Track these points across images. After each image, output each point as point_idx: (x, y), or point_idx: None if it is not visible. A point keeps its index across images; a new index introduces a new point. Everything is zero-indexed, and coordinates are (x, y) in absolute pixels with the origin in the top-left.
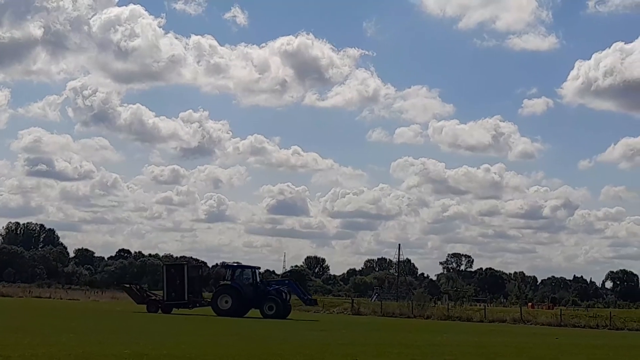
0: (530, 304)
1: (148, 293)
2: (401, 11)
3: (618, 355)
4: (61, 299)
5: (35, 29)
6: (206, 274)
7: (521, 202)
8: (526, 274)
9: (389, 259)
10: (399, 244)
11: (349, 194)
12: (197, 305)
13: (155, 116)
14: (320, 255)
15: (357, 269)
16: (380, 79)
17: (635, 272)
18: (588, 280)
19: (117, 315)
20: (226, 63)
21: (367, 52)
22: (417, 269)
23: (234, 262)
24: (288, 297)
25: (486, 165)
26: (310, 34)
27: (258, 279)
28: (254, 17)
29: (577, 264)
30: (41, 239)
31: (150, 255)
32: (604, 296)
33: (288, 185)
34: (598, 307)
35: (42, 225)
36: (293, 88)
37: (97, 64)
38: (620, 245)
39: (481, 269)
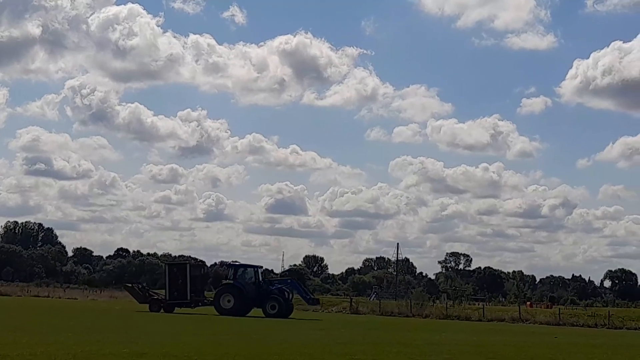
0: (528, 303)
1: (150, 292)
2: (399, 10)
3: (617, 354)
4: (60, 298)
5: (33, 28)
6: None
7: (520, 201)
8: (525, 273)
9: (388, 258)
10: (398, 243)
11: (347, 193)
12: (200, 304)
13: (154, 115)
14: (318, 254)
15: (356, 268)
16: (378, 78)
17: (633, 271)
18: (587, 279)
19: (116, 314)
20: (224, 62)
21: (365, 51)
22: (416, 268)
23: (232, 261)
24: (290, 297)
25: (484, 164)
26: (309, 33)
27: (260, 278)
28: (252, 16)
29: (575, 263)
30: (40, 238)
31: (148, 254)
32: (603, 295)
33: (286, 184)
34: (596, 306)
35: (40, 225)
36: (291, 87)
37: (96, 62)
38: (619, 244)
39: (480, 268)
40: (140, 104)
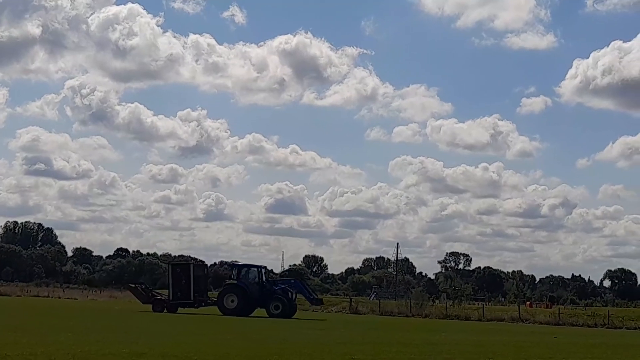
0: (528, 302)
1: (153, 293)
2: (399, 10)
3: (616, 354)
4: (59, 298)
5: (33, 28)
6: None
7: (519, 201)
8: (524, 273)
9: (388, 258)
10: (397, 243)
11: (347, 192)
12: (203, 304)
13: (154, 115)
14: (318, 254)
15: (356, 267)
16: (378, 77)
17: (633, 270)
18: (586, 279)
19: (116, 315)
20: (224, 62)
21: (365, 51)
22: (416, 268)
23: (233, 261)
24: (294, 297)
25: (484, 164)
26: (309, 32)
27: (264, 279)
28: (252, 16)
29: (575, 262)
30: (39, 238)
31: (148, 254)
32: (602, 295)
33: (286, 184)
34: (596, 306)
35: (40, 224)
36: (291, 87)
37: (96, 62)
38: (619, 243)
39: (479, 267)
40: (140, 104)
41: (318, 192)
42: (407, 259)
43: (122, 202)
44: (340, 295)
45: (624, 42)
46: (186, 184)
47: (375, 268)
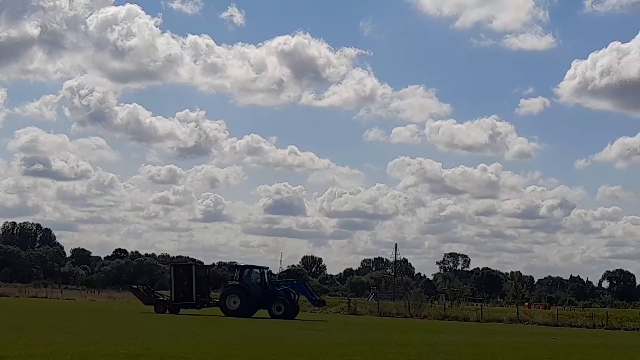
0: (527, 303)
1: (155, 294)
2: (398, 11)
3: (614, 355)
4: (58, 298)
5: (31, 28)
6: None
7: (518, 202)
8: (523, 274)
9: (386, 259)
10: (396, 244)
11: (345, 193)
12: (205, 305)
13: (152, 116)
14: (317, 254)
15: (354, 268)
16: (377, 78)
17: (631, 271)
18: (585, 279)
19: (114, 315)
20: (223, 62)
21: (363, 52)
22: (414, 269)
23: (231, 262)
24: (296, 298)
25: (483, 165)
26: (307, 33)
27: (266, 280)
28: (250, 17)
29: (573, 263)
30: (38, 239)
31: (147, 254)
32: (601, 296)
33: (285, 185)
34: (595, 307)
35: (38, 225)
36: (290, 87)
37: (94, 63)
38: (617, 244)
39: (478, 268)
40: (139, 105)
41: (317, 193)
42: (405, 260)
43: (121, 202)
44: (339, 296)
45: (622, 43)
46: (185, 185)
47: (373, 269)
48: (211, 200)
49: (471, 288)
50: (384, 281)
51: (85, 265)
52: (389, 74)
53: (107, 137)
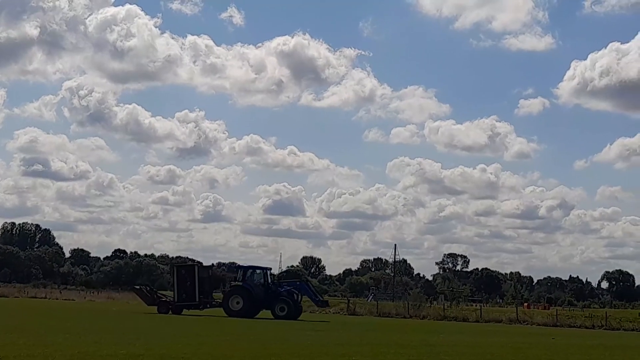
0: (526, 304)
1: (158, 294)
2: (397, 11)
3: (614, 355)
4: (57, 299)
5: (31, 29)
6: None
7: (517, 202)
8: (522, 274)
9: (385, 259)
10: (395, 244)
11: (345, 194)
12: (208, 306)
13: (152, 116)
14: (316, 255)
15: (353, 269)
16: (376, 79)
17: (631, 272)
18: (584, 280)
19: (113, 316)
20: (222, 63)
21: (363, 52)
22: (413, 269)
23: (230, 262)
24: (299, 298)
25: (482, 166)
26: (307, 34)
27: (269, 280)
28: (250, 17)
29: (573, 264)
30: (37, 239)
31: (146, 255)
32: (600, 296)
33: (284, 186)
34: (594, 308)
35: (37, 226)
36: (289, 88)
37: (93, 63)
38: (616, 245)
39: (477, 269)
40: (138, 105)
41: (316, 194)
42: (404, 261)
43: (120, 203)
44: (338, 296)
45: (621, 43)
46: (184, 185)
47: (373, 269)
48: (210, 200)
49: (470, 288)
50: (383, 282)
51: (85, 266)
52: (388, 75)
53: (107, 138)
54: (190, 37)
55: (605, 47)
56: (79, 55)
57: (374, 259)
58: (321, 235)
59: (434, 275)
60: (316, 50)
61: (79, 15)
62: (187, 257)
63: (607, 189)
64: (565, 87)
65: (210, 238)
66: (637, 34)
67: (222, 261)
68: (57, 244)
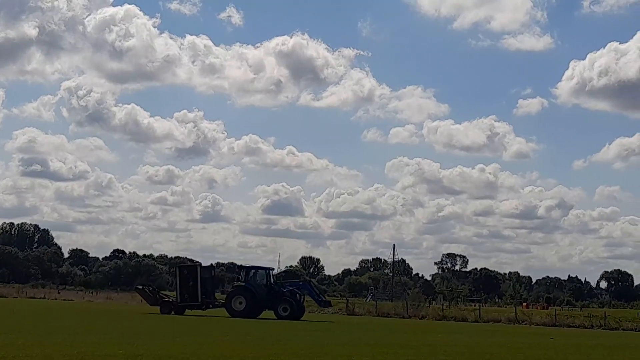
0: (525, 304)
1: (161, 294)
2: (396, 11)
3: (613, 355)
4: (55, 299)
5: (29, 29)
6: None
7: (516, 202)
8: (521, 274)
9: (384, 259)
10: (394, 244)
11: (343, 194)
12: (211, 306)
13: (150, 116)
14: (315, 255)
15: (352, 269)
16: (375, 79)
17: (629, 272)
18: (583, 280)
19: (112, 316)
20: (221, 63)
21: (362, 52)
22: (412, 269)
23: (229, 263)
24: (302, 299)
25: (481, 166)
26: (305, 34)
27: (272, 280)
28: (249, 17)
29: (571, 264)
30: (35, 240)
31: (144, 255)
32: (599, 296)
33: (283, 186)
34: (592, 307)
35: (36, 226)
36: (288, 88)
37: (92, 64)
38: (615, 245)
39: (476, 269)
40: (137, 105)
41: (315, 194)
42: (403, 260)
43: (119, 203)
44: (337, 296)
45: (620, 43)
46: (183, 186)
47: (371, 269)
48: (209, 200)
49: (469, 288)
50: (382, 282)
51: (83, 266)
52: (387, 75)
53: (105, 138)
54: (189, 37)
55: (604, 47)
56: (78, 55)
57: (373, 259)
58: (320, 235)
59: (432, 275)
60: (315, 50)
61: (77, 15)
62: (186, 257)
63: (605, 188)
64: (564, 87)
65: (209, 238)
66: (635, 34)
67: (221, 261)
68: (56, 244)
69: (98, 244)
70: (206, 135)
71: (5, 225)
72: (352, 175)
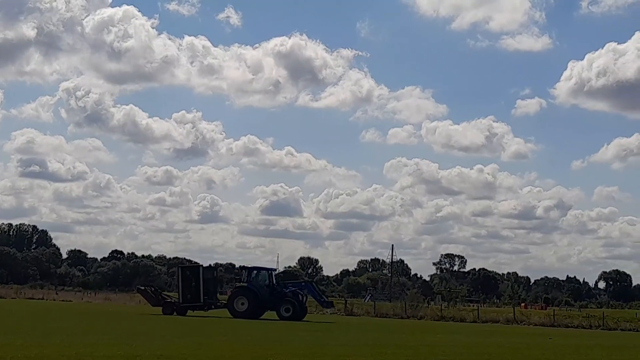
0: (523, 304)
1: (163, 295)
2: (394, 12)
3: (611, 355)
4: (54, 300)
5: (28, 30)
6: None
7: (514, 203)
8: (519, 275)
9: (383, 260)
10: (392, 245)
11: (342, 194)
12: (213, 307)
13: (149, 117)
14: (313, 256)
15: (351, 269)
16: (373, 79)
17: (628, 272)
18: (581, 280)
19: (111, 317)
20: (219, 64)
21: (360, 53)
22: (411, 270)
23: (228, 263)
24: (304, 299)
25: (479, 166)
26: (304, 34)
27: (274, 281)
28: (247, 18)
29: (570, 264)
30: (34, 240)
31: (143, 256)
32: (597, 296)
33: (281, 186)
34: (591, 308)
35: (34, 227)
36: (286, 89)
37: (90, 64)
38: (613, 245)
39: (474, 269)
40: (135, 106)
41: (313, 194)
42: (402, 261)
43: (117, 204)
44: (336, 297)
45: (618, 44)
46: (181, 186)
47: (370, 270)
48: (208, 201)
49: (468, 289)
50: (380, 282)
51: (82, 267)
52: (385, 75)
53: (104, 139)
54: (187, 38)
55: (602, 48)
56: (76, 56)
57: (371, 259)
58: (318, 235)
59: (431, 276)
60: (313, 50)
61: (76, 16)
62: (184, 258)
63: (604, 189)
64: (562, 88)
65: (208, 239)
66: (634, 34)
67: (220, 262)
68: (54, 245)
69: (96, 244)
70: (205, 136)
71: (3, 226)
72: (351, 175)
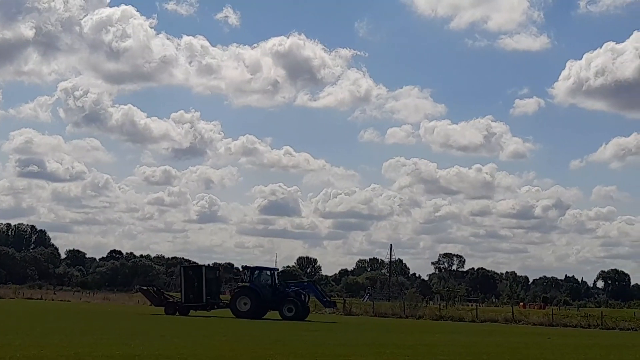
0: (521, 303)
1: (165, 295)
2: (393, 12)
3: (609, 354)
4: (52, 300)
5: (26, 30)
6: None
7: (513, 202)
8: (518, 274)
9: (381, 259)
10: (391, 244)
11: (340, 194)
12: (215, 307)
13: (147, 117)
14: (312, 255)
15: (349, 269)
16: (372, 79)
17: (626, 271)
18: (579, 279)
19: (109, 317)
20: (218, 64)
21: (358, 53)
22: (409, 269)
23: (226, 263)
24: (307, 299)
25: (478, 166)
26: (302, 34)
27: (277, 281)
28: (245, 18)
29: (568, 263)
30: (32, 240)
31: (141, 256)
32: (596, 296)
33: (280, 186)
34: (589, 307)
35: (33, 227)
36: (285, 88)
37: (89, 64)
38: (612, 244)
39: (473, 269)
40: (134, 106)
41: (312, 194)
42: (400, 261)
43: (116, 204)
44: (334, 296)
45: (616, 43)
46: (179, 186)
47: (368, 269)
48: (206, 201)
49: (466, 288)
50: (379, 282)
51: (80, 267)
52: (384, 75)
53: (102, 139)
54: (185, 38)
55: (601, 47)
56: (75, 56)
57: (370, 259)
58: (317, 235)
59: (429, 275)
60: (312, 50)
61: (74, 16)
62: (183, 258)
63: (602, 188)
64: (561, 87)
65: (206, 239)
66: (632, 33)
67: (218, 262)
68: (53, 245)
69: (95, 244)
70: (203, 135)
71: (2, 226)
72: (349, 175)
